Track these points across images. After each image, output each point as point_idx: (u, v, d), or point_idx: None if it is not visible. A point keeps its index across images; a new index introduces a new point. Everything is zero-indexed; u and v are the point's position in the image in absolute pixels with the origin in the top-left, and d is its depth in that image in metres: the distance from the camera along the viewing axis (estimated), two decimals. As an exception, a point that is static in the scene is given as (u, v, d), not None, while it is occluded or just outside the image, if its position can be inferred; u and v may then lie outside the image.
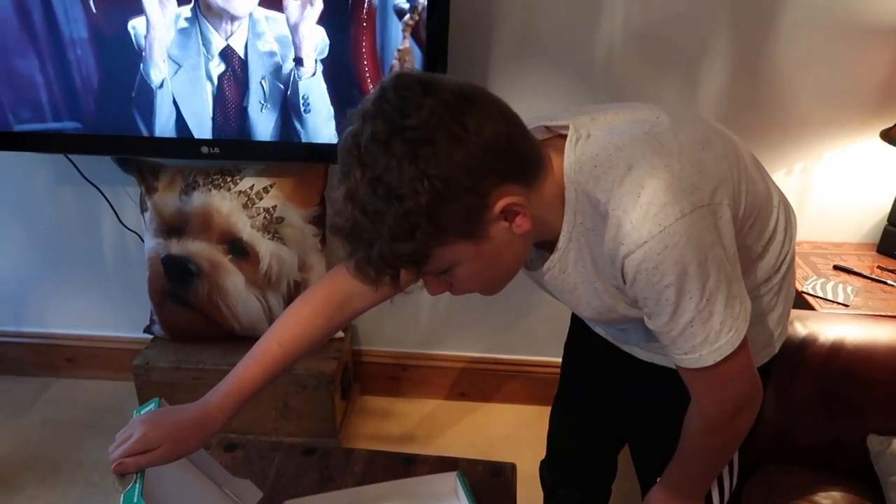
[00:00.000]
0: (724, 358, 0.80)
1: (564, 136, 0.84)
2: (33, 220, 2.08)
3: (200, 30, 1.59)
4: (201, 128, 1.70)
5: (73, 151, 1.85)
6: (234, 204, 1.83)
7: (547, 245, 0.87)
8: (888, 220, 1.84)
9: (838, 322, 1.37)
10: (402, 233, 0.70)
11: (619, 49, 1.74)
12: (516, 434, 2.12)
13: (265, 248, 1.85)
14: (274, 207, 1.83)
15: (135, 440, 0.84)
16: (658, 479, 1.04)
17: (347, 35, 1.58)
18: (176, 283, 1.90)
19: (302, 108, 1.66)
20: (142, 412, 0.92)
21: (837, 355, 1.31)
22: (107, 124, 1.71)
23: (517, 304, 2.09)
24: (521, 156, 0.76)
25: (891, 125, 1.70)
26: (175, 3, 1.57)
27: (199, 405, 0.90)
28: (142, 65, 1.63)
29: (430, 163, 0.68)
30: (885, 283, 1.70)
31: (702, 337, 0.79)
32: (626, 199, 0.76)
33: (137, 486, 0.83)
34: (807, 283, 1.68)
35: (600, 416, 1.26)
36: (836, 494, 1.28)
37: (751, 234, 0.89)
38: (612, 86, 1.78)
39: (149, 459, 0.84)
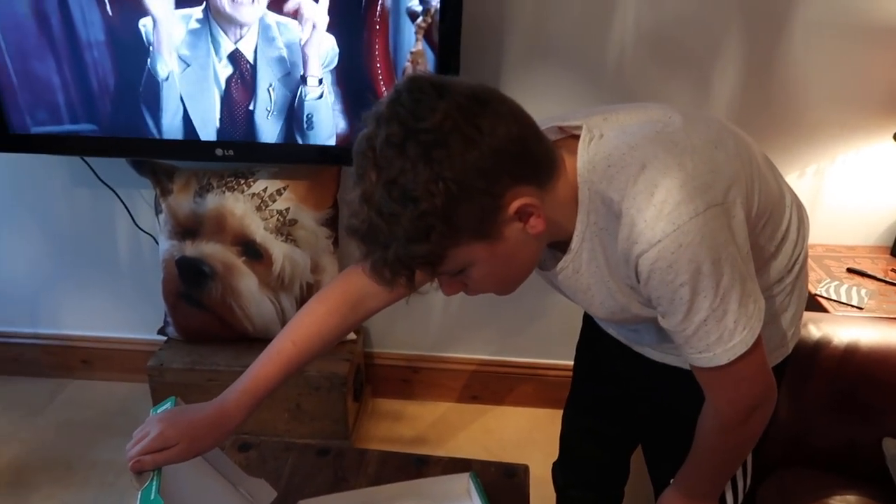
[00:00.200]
0: (739, 357, 0.80)
1: (577, 137, 0.84)
2: (49, 221, 2.10)
3: (211, 31, 1.61)
4: (206, 128, 1.71)
5: (89, 153, 1.87)
6: (247, 206, 1.84)
7: (560, 245, 0.87)
8: (903, 223, 1.83)
9: (852, 325, 1.36)
10: (418, 234, 0.71)
11: (630, 51, 1.75)
12: (528, 437, 2.12)
13: (278, 250, 1.87)
14: (287, 210, 1.84)
15: (152, 438, 0.85)
16: (671, 481, 1.04)
17: (360, 38, 1.59)
18: (190, 285, 1.91)
19: (305, 126, 1.67)
20: (158, 411, 0.93)
21: (852, 358, 1.31)
22: (122, 126, 1.73)
23: (529, 306, 2.09)
24: (535, 157, 0.77)
25: (905, 127, 1.70)
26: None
27: (216, 403, 0.91)
28: (149, 59, 1.64)
29: (445, 165, 0.69)
30: (900, 285, 1.69)
31: (716, 335, 0.79)
32: (639, 198, 0.76)
33: (154, 483, 0.84)
34: (820, 285, 1.68)
35: (613, 416, 1.26)
36: (850, 498, 1.27)
37: (764, 233, 0.89)
38: (623, 88, 1.78)
39: (166, 457, 0.85)
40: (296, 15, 1.58)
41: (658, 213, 0.75)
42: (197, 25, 1.61)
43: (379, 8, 1.56)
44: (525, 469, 1.18)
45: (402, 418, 2.20)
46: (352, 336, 2.04)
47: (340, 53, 1.61)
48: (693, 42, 1.73)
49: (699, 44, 1.73)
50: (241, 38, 1.61)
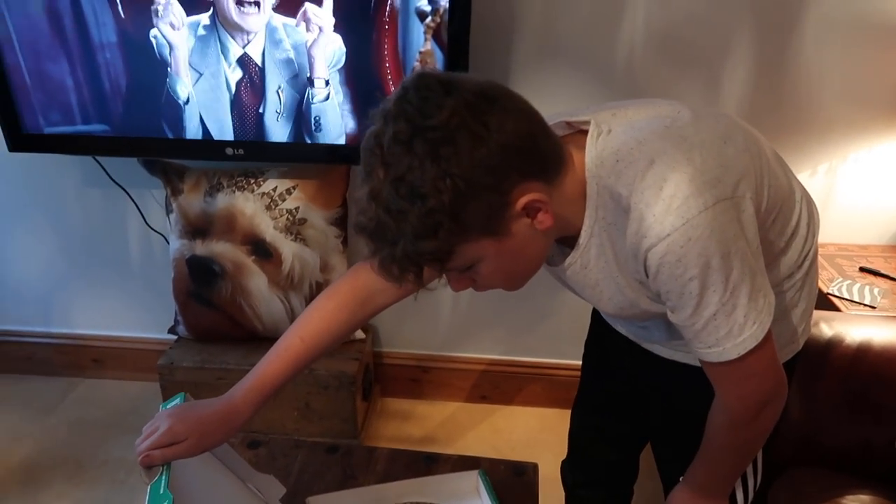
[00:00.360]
0: (748, 351, 0.80)
1: (585, 132, 0.84)
2: (61, 221, 2.12)
3: (219, 37, 1.62)
4: (219, 134, 1.73)
5: (101, 153, 1.88)
6: (257, 206, 1.85)
7: (568, 241, 0.87)
8: (916, 222, 1.82)
9: (865, 324, 1.35)
10: (426, 231, 0.71)
11: (640, 50, 1.74)
12: (537, 437, 2.11)
13: (288, 249, 1.87)
14: (297, 209, 1.85)
15: (161, 433, 0.85)
16: (681, 478, 1.04)
17: (370, 38, 1.60)
18: (200, 284, 1.92)
19: (313, 128, 1.68)
20: (168, 406, 0.93)
21: (864, 357, 1.29)
22: (134, 127, 1.74)
23: (538, 306, 2.09)
24: (543, 153, 0.77)
25: (918, 125, 1.69)
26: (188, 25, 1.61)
27: (225, 399, 0.91)
28: (168, 80, 1.67)
29: (452, 162, 0.69)
30: (913, 285, 1.68)
31: (725, 330, 0.79)
32: (648, 192, 0.76)
33: (164, 478, 0.84)
34: (832, 284, 1.66)
35: (622, 414, 1.25)
36: (863, 497, 1.25)
37: (773, 228, 0.89)
38: (633, 87, 1.77)
39: (175, 452, 0.85)
40: (302, 17, 1.59)
41: (667, 208, 0.74)
42: (204, 32, 1.62)
43: (388, 8, 1.57)
44: (534, 467, 1.18)
45: (412, 418, 2.20)
46: (361, 335, 2.05)
47: (349, 53, 1.62)
48: (703, 41, 1.72)
49: (709, 43, 1.72)
50: (248, 42, 1.62)
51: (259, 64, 1.65)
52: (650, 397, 1.16)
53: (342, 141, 1.71)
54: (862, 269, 1.75)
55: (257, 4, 1.58)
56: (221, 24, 1.61)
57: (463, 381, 2.24)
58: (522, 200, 0.74)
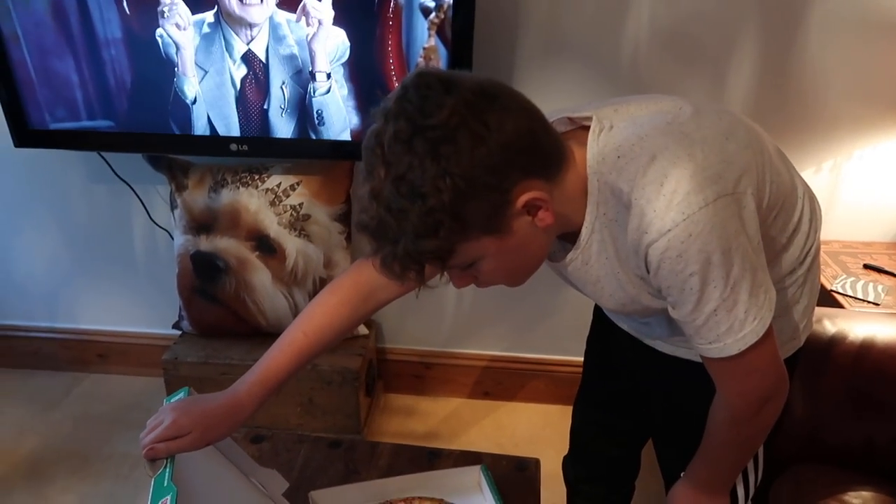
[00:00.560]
0: (749, 347, 0.80)
1: (587, 128, 0.84)
2: (67, 217, 2.13)
3: (223, 34, 1.62)
4: (228, 130, 1.74)
5: (107, 149, 1.89)
6: (261, 201, 1.85)
7: (570, 236, 0.87)
8: (920, 219, 1.81)
9: (869, 321, 1.35)
10: (426, 230, 0.71)
11: (645, 47, 1.74)
12: (540, 433, 2.12)
13: (292, 245, 1.88)
14: (300, 205, 1.86)
15: (166, 426, 0.86)
16: (682, 474, 1.04)
17: (373, 33, 1.60)
18: (204, 280, 1.93)
19: (316, 122, 1.69)
20: (172, 400, 0.94)
21: (868, 354, 1.29)
22: (139, 123, 1.75)
23: (541, 302, 2.09)
24: (543, 150, 0.77)
25: (923, 122, 1.68)
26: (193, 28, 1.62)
27: (229, 393, 0.92)
28: (175, 80, 1.68)
29: (452, 161, 0.69)
30: (918, 282, 1.67)
31: (726, 326, 0.79)
32: (649, 188, 0.76)
33: (168, 471, 0.84)
34: (836, 281, 1.66)
35: (623, 410, 1.25)
36: (866, 494, 1.25)
37: (775, 224, 0.89)
38: (637, 84, 1.77)
39: (179, 445, 0.86)
40: (302, 11, 1.59)
41: (668, 203, 0.75)
42: (209, 30, 1.62)
43: (392, 4, 1.57)
44: (536, 462, 1.18)
45: (414, 414, 2.21)
46: (364, 331, 2.05)
47: (353, 49, 1.62)
48: (708, 38, 1.72)
49: (714, 40, 1.72)
50: (252, 38, 1.62)
51: (263, 60, 1.65)
52: (652, 393, 1.16)
53: (346, 136, 1.71)
54: (866, 266, 1.75)
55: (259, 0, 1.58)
56: (225, 21, 1.61)
57: (466, 377, 2.24)
58: (523, 199, 0.74)
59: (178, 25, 1.61)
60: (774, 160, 0.89)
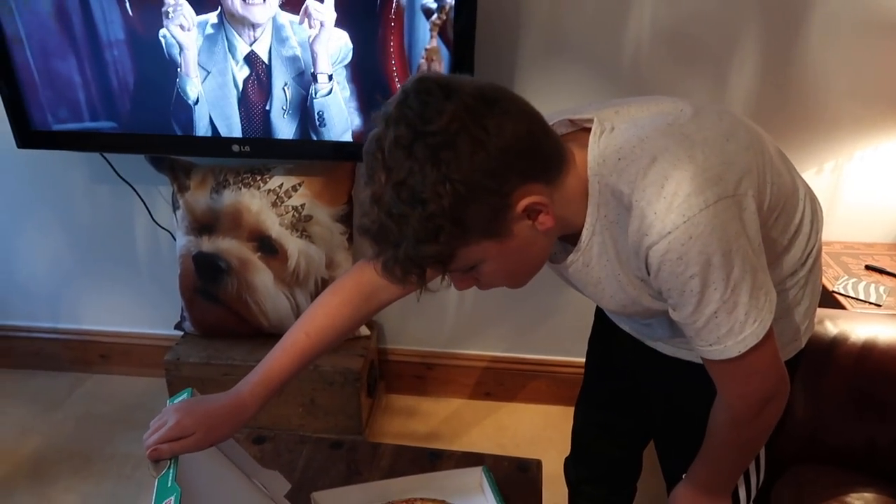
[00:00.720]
0: (750, 349, 0.80)
1: (588, 130, 0.84)
2: (69, 217, 2.13)
3: (226, 35, 1.63)
4: (230, 131, 1.74)
5: (109, 150, 1.89)
6: (263, 202, 1.86)
7: (571, 238, 0.87)
8: (922, 220, 1.81)
9: (871, 322, 1.35)
10: (427, 235, 0.72)
11: (646, 48, 1.74)
12: (541, 434, 2.12)
13: (293, 245, 1.88)
14: (302, 206, 1.86)
15: (169, 427, 0.86)
16: (683, 475, 1.04)
17: (375, 35, 1.60)
18: (206, 280, 1.93)
19: (317, 123, 1.69)
20: (175, 401, 0.94)
21: (870, 355, 1.29)
22: (141, 124, 1.75)
23: (542, 303, 2.09)
24: (543, 154, 0.77)
25: (925, 123, 1.68)
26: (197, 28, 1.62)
27: (232, 394, 0.92)
28: (178, 80, 1.68)
29: (452, 166, 0.70)
30: (919, 283, 1.67)
31: (726, 328, 0.79)
32: (649, 190, 0.76)
33: (171, 471, 0.85)
34: (838, 282, 1.66)
35: (625, 411, 1.26)
36: (867, 496, 1.25)
37: (776, 226, 0.89)
38: (639, 85, 1.77)
39: (183, 446, 0.86)
40: (304, 13, 1.59)
41: (668, 205, 0.75)
42: (212, 31, 1.63)
43: (394, 5, 1.57)
44: (538, 464, 1.18)
45: (416, 414, 2.21)
46: (366, 332, 2.06)
47: (355, 50, 1.62)
48: (710, 38, 1.72)
49: (716, 40, 1.72)
50: (255, 40, 1.63)
51: (265, 61, 1.65)
52: (653, 394, 1.17)
53: (348, 137, 1.72)
54: (868, 268, 1.75)
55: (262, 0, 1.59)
56: (228, 22, 1.61)
57: (467, 377, 2.24)
58: (523, 203, 0.75)
59: (182, 26, 1.61)
60: (775, 161, 0.89)
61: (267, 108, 1.70)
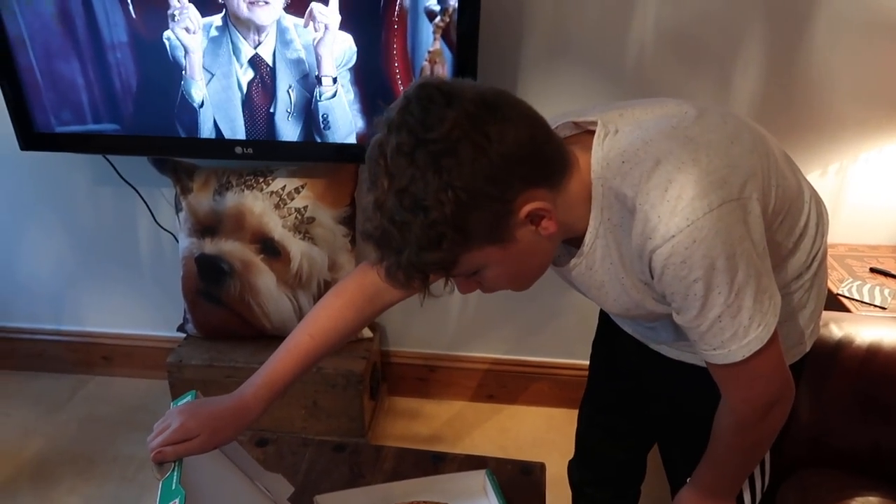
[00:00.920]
0: (754, 353, 0.80)
1: (592, 132, 0.84)
2: (72, 219, 2.13)
3: (231, 38, 1.63)
4: (234, 134, 1.74)
5: (112, 152, 1.89)
6: (266, 204, 1.86)
7: (574, 241, 0.87)
8: (927, 222, 1.81)
9: (876, 324, 1.35)
10: (429, 242, 0.72)
11: (650, 49, 1.74)
12: (544, 436, 2.11)
13: (296, 247, 1.88)
14: (305, 208, 1.86)
15: (173, 429, 0.86)
16: (688, 479, 1.03)
17: (378, 37, 1.60)
18: (209, 282, 1.93)
19: (322, 126, 1.69)
20: (179, 404, 0.94)
21: (875, 358, 1.29)
22: (144, 126, 1.75)
23: (545, 306, 2.09)
24: (546, 159, 0.77)
25: (929, 125, 1.67)
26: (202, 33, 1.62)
27: (236, 396, 0.92)
28: (183, 83, 1.68)
29: (454, 174, 0.70)
30: (924, 286, 1.67)
31: (731, 332, 0.79)
32: (653, 193, 0.76)
33: (175, 474, 0.85)
34: (843, 285, 1.66)
35: (629, 414, 1.25)
36: (872, 499, 1.25)
37: (781, 229, 0.88)
38: (643, 86, 1.77)
39: (187, 448, 0.86)
40: (309, 16, 1.59)
41: (672, 209, 0.74)
42: (216, 33, 1.63)
43: (397, 7, 1.57)
44: (541, 467, 1.18)
45: (419, 416, 2.21)
46: (368, 334, 2.05)
47: (359, 53, 1.62)
48: (714, 40, 1.72)
49: (720, 42, 1.72)
50: (259, 43, 1.63)
51: (270, 64, 1.65)
52: (657, 398, 1.16)
53: (353, 140, 1.71)
54: (872, 270, 1.74)
55: (266, 2, 1.59)
56: (233, 24, 1.62)
57: (470, 380, 2.24)
58: (526, 209, 0.75)
59: (187, 29, 1.61)
60: (780, 164, 0.89)
61: (271, 110, 1.70)
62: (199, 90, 1.69)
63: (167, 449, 0.85)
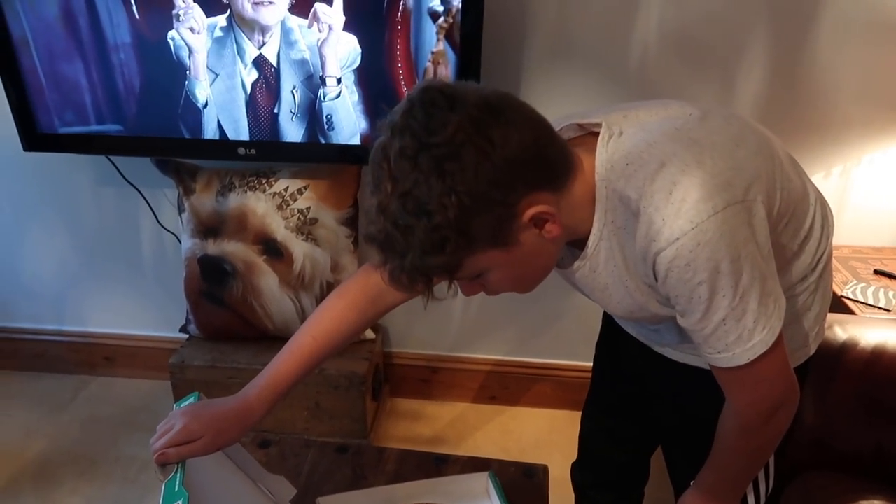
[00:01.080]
0: (759, 357, 0.79)
1: (597, 134, 0.84)
2: (75, 220, 2.14)
3: (235, 39, 1.63)
4: (238, 134, 1.74)
5: (115, 153, 1.90)
6: (268, 205, 1.86)
7: (578, 243, 0.87)
8: (931, 224, 1.80)
9: (880, 327, 1.34)
10: (433, 246, 0.72)
11: (654, 50, 1.73)
12: (547, 438, 2.11)
13: (299, 249, 1.88)
14: (308, 209, 1.86)
15: (177, 431, 0.86)
16: (692, 482, 1.03)
17: (382, 38, 1.60)
18: (211, 283, 1.93)
19: (326, 127, 1.69)
20: (182, 405, 0.94)
21: (879, 360, 1.28)
22: (147, 127, 1.75)
23: (548, 307, 2.09)
24: (549, 162, 0.77)
25: (934, 127, 1.67)
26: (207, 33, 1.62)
27: (239, 397, 0.92)
28: (187, 83, 1.68)
29: (458, 178, 0.69)
30: (928, 288, 1.66)
31: (735, 335, 0.78)
32: (657, 195, 0.76)
33: (179, 476, 0.84)
34: (847, 287, 1.65)
35: (632, 416, 1.25)
36: (876, 503, 1.24)
37: (786, 232, 0.88)
38: (646, 88, 1.77)
39: (191, 450, 0.86)
40: (313, 17, 1.59)
41: (676, 211, 0.74)
42: (221, 34, 1.63)
43: (401, 8, 1.57)
44: (544, 469, 1.18)
45: (421, 418, 2.20)
46: (371, 335, 2.05)
47: (362, 53, 1.62)
48: (718, 41, 1.71)
49: (724, 43, 1.71)
50: (264, 43, 1.63)
51: (274, 65, 1.65)
52: (661, 400, 1.16)
53: (356, 141, 1.71)
54: (876, 272, 1.74)
55: (271, 2, 1.59)
56: (238, 25, 1.62)
57: (472, 381, 2.24)
58: (530, 212, 0.75)
59: (192, 29, 1.61)
60: (785, 166, 0.89)
61: (275, 111, 1.70)
62: (203, 90, 1.69)
63: (170, 451, 0.85)
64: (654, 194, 0.76)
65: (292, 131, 1.72)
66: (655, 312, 0.88)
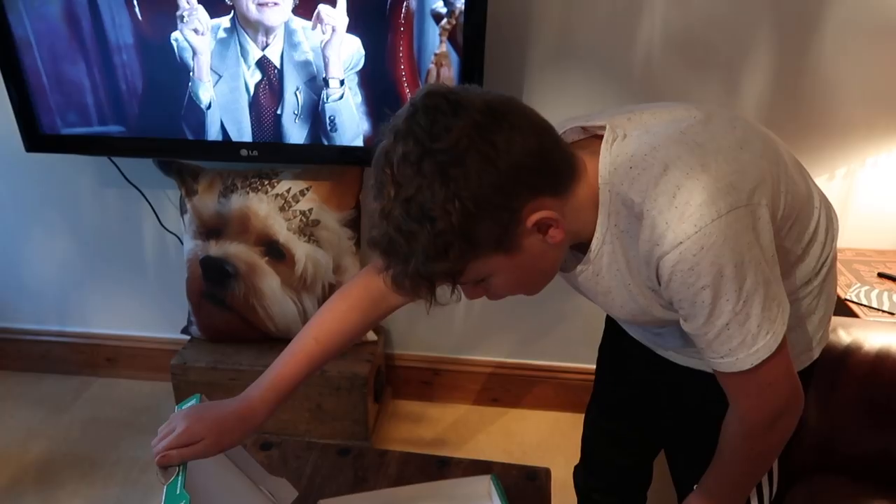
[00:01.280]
0: (762, 361, 0.79)
1: (600, 137, 0.83)
2: (77, 221, 2.14)
3: (239, 40, 1.63)
4: (241, 136, 1.74)
5: (117, 154, 1.90)
6: (271, 207, 1.86)
7: (581, 246, 0.86)
8: (935, 227, 1.79)
9: (884, 330, 1.34)
10: (436, 252, 0.71)
11: (658, 52, 1.73)
12: (549, 440, 2.11)
13: (301, 250, 1.88)
14: (310, 210, 1.86)
15: (178, 433, 0.86)
16: (695, 486, 1.03)
17: (385, 40, 1.60)
18: (213, 285, 1.93)
19: (329, 128, 1.69)
20: (184, 407, 0.93)
21: (884, 364, 1.28)
22: (150, 128, 1.75)
23: (551, 310, 2.08)
24: (553, 167, 0.77)
25: (938, 129, 1.66)
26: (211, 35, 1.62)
27: (241, 399, 0.92)
28: (190, 84, 1.68)
29: (461, 184, 0.69)
30: (932, 291, 1.65)
31: (738, 340, 0.78)
32: (661, 199, 0.75)
33: (180, 478, 0.84)
34: (850, 290, 1.64)
35: (635, 420, 1.24)
36: (880, 506, 1.24)
37: (790, 235, 0.88)
38: (650, 89, 1.76)
39: (193, 452, 0.86)
40: (316, 19, 1.59)
41: (680, 215, 0.74)
42: (224, 35, 1.63)
43: (404, 9, 1.57)
44: (546, 472, 1.17)
45: (423, 420, 2.20)
46: (373, 337, 2.05)
47: (366, 55, 1.62)
48: (722, 43, 1.71)
49: (728, 45, 1.71)
50: (267, 45, 1.63)
51: (277, 66, 1.65)
52: (664, 403, 1.15)
53: (359, 142, 1.71)
54: (880, 275, 1.73)
55: (276, 3, 1.59)
56: (241, 26, 1.62)
57: (474, 383, 2.23)
58: (533, 218, 0.74)
59: (196, 30, 1.61)
60: (790, 169, 0.88)
61: (278, 112, 1.70)
62: (206, 92, 1.69)
63: (172, 452, 0.85)
64: (658, 198, 0.75)
65: (295, 133, 1.72)
66: (659, 316, 0.87)
